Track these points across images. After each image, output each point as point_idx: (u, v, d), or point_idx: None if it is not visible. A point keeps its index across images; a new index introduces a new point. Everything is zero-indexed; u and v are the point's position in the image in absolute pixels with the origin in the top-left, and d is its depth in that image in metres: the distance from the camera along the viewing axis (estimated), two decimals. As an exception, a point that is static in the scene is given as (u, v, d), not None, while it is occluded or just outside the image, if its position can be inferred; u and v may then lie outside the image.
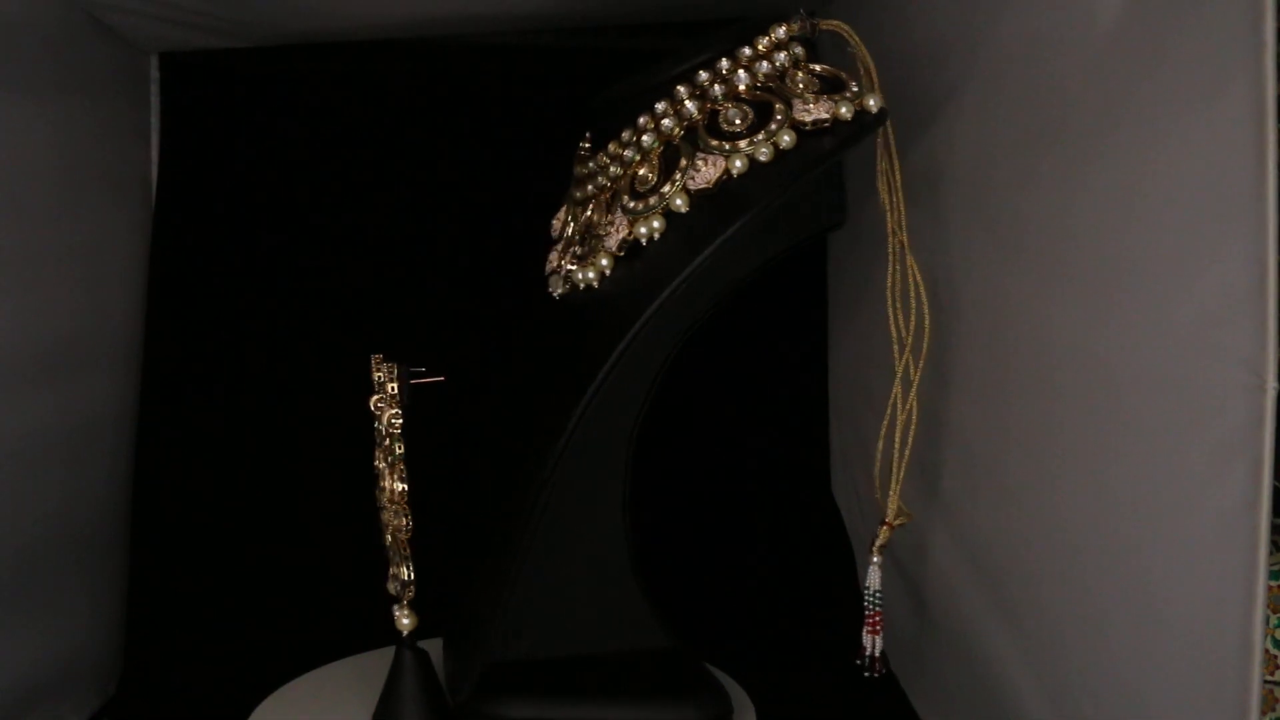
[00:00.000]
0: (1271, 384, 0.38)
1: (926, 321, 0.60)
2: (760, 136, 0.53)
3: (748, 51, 0.55)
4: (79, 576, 0.76)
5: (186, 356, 0.85)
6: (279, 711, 0.66)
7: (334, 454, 0.69)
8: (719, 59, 0.55)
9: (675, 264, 0.53)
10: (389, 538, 0.60)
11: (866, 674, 0.61)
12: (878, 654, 0.61)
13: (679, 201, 0.54)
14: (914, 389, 0.60)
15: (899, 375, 0.60)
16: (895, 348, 0.61)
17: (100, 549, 0.79)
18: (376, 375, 0.60)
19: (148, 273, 0.84)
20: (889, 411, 0.61)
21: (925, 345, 0.60)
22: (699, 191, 0.54)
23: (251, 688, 0.68)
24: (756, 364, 0.90)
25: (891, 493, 0.60)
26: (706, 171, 0.54)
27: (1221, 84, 0.40)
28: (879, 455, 0.61)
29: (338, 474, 0.83)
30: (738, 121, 0.54)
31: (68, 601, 0.74)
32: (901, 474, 0.59)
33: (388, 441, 0.58)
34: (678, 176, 0.54)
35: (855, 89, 0.55)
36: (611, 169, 0.57)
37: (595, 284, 0.57)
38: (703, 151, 0.54)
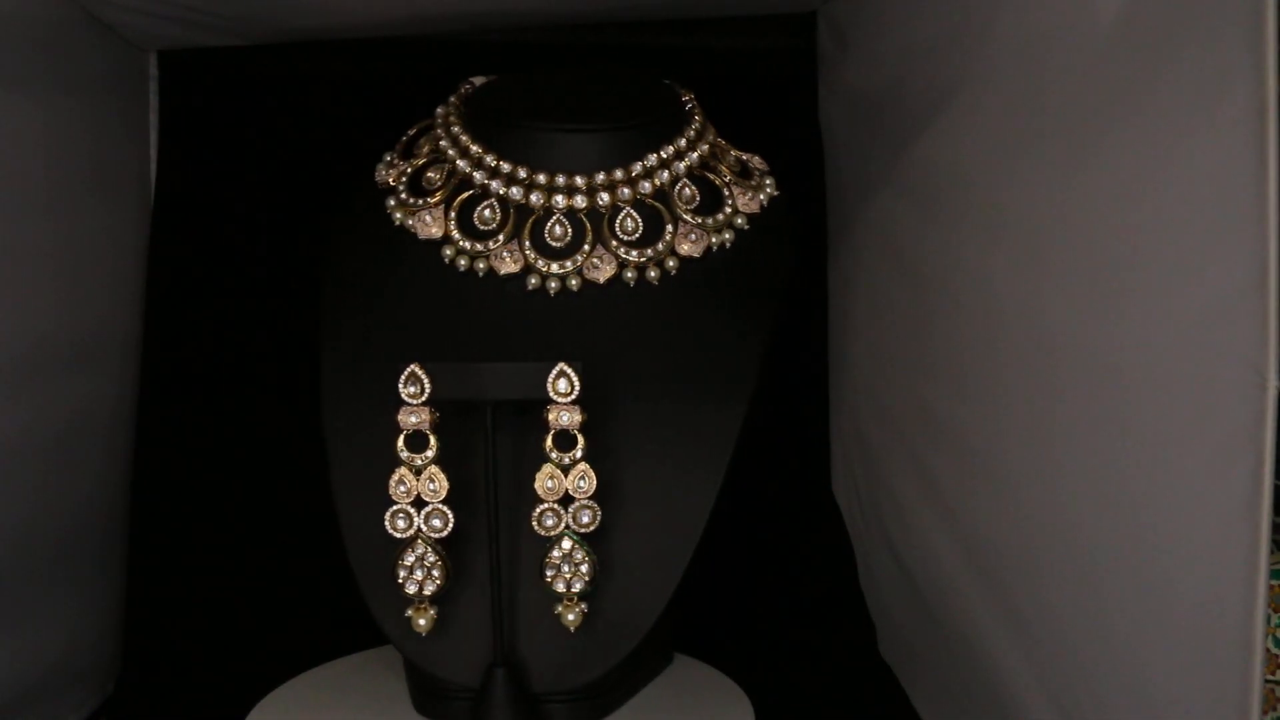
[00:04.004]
0: (1272, 382, 0.38)
1: None
2: (763, 181, 0.68)
3: (693, 131, 0.67)
4: (77, 575, 0.76)
5: (185, 356, 0.85)
6: (277, 711, 0.66)
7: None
8: (679, 133, 0.66)
9: (771, 260, 0.65)
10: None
11: None
12: None
13: (740, 220, 0.65)
14: None
15: None
16: None
17: (99, 548, 0.79)
18: (411, 389, 0.57)
19: (146, 272, 0.84)
20: None
21: None
22: (751, 214, 0.66)
23: (251, 688, 0.68)
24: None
25: None
26: (754, 200, 0.67)
27: (1222, 83, 0.40)
28: None
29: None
30: (731, 167, 0.67)
31: (66, 600, 0.74)
32: None
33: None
34: (729, 200, 0.65)
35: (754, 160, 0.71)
36: (642, 184, 0.64)
37: (655, 282, 0.63)
38: (739, 187, 0.66)
